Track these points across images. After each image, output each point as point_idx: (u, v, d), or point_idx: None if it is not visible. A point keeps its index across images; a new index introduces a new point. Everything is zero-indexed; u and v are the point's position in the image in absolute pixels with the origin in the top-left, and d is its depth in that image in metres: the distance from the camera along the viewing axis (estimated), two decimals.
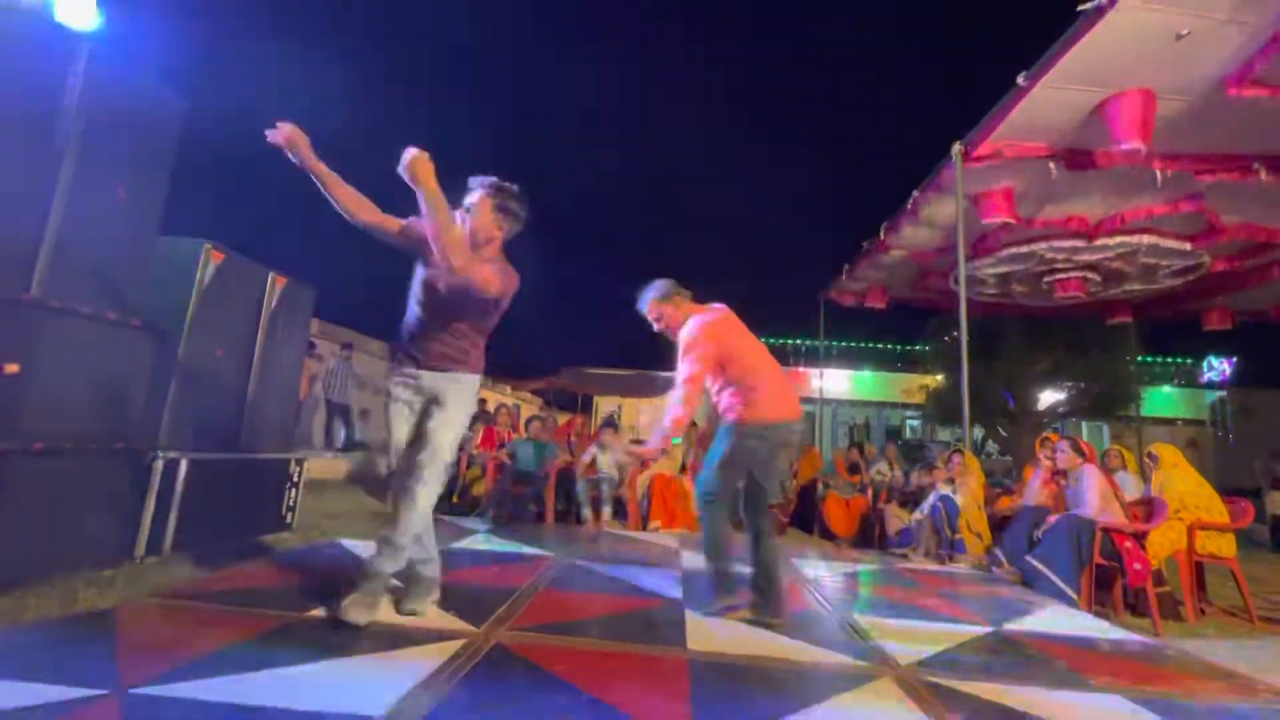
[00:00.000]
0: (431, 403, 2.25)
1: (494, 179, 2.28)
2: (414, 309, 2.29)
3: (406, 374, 2.28)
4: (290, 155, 2.06)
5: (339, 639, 1.95)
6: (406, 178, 1.95)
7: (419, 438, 2.21)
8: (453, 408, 2.23)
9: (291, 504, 3.86)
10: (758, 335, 2.79)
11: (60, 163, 2.44)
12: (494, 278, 2.16)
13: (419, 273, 2.28)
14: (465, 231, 2.18)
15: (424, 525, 2.26)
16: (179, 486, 2.96)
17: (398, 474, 2.24)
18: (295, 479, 3.88)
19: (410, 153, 1.93)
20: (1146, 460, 4.26)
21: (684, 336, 2.63)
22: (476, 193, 2.26)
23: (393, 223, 2.25)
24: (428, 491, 2.16)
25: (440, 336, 2.25)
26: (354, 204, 2.17)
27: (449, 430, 2.21)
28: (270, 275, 3.70)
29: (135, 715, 1.39)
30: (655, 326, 2.78)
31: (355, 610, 2.05)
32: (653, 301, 2.72)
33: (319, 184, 2.13)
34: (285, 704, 1.48)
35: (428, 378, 2.25)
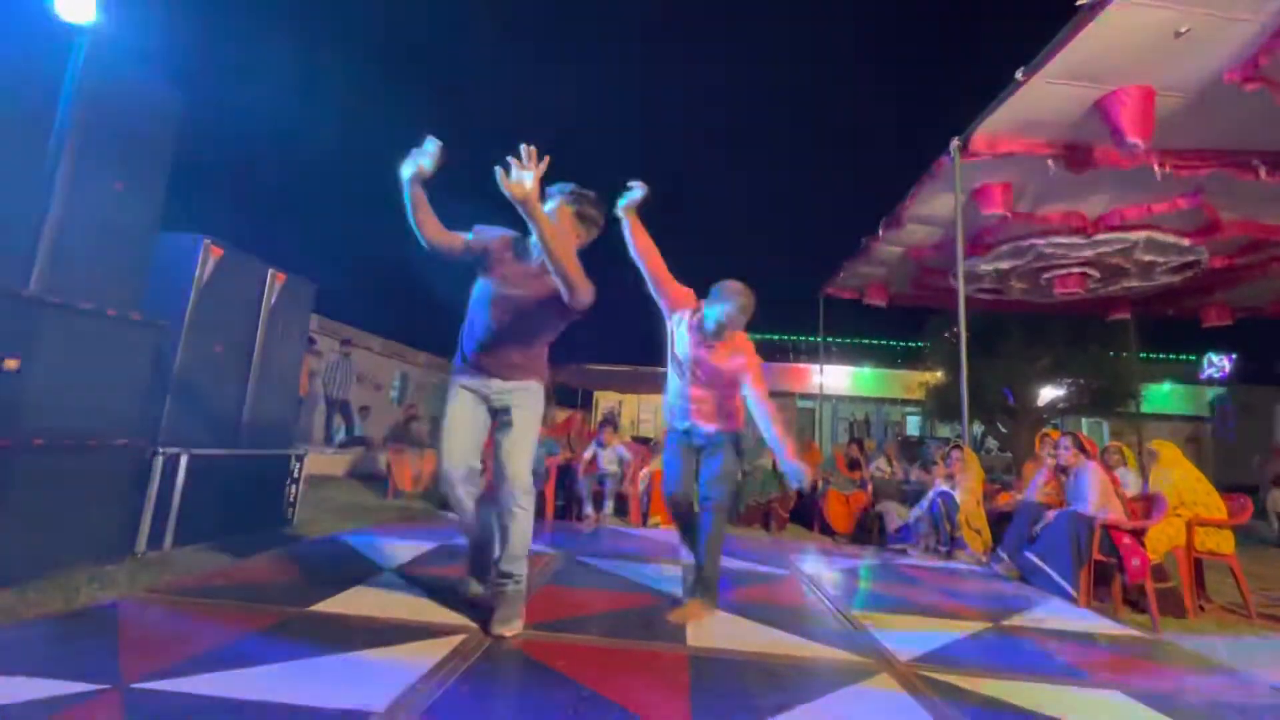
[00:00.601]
0: (501, 413, 2.25)
1: (573, 185, 2.25)
2: (483, 319, 2.22)
3: (473, 382, 2.25)
4: (406, 184, 2.02)
5: (340, 634, 1.95)
6: (518, 206, 1.85)
7: (497, 466, 2.21)
8: (521, 422, 2.23)
9: (292, 499, 3.87)
10: (757, 331, 2.80)
11: (59, 158, 2.44)
12: (591, 292, 2.10)
13: (490, 284, 2.23)
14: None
15: (525, 546, 2.24)
16: (179, 482, 2.97)
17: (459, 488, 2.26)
18: (295, 474, 3.88)
19: (523, 187, 1.80)
20: (1144, 456, 4.26)
21: (749, 355, 2.61)
22: (555, 199, 2.23)
23: (456, 239, 2.21)
24: (518, 522, 2.19)
25: (513, 348, 2.22)
26: (431, 224, 2.13)
27: (523, 453, 2.21)
28: (270, 271, 3.70)
29: (137, 710, 1.39)
30: (720, 328, 2.53)
31: (504, 626, 2.10)
32: (744, 309, 2.53)
33: (411, 205, 2.07)
34: (287, 698, 1.48)
35: (497, 385, 2.24)
